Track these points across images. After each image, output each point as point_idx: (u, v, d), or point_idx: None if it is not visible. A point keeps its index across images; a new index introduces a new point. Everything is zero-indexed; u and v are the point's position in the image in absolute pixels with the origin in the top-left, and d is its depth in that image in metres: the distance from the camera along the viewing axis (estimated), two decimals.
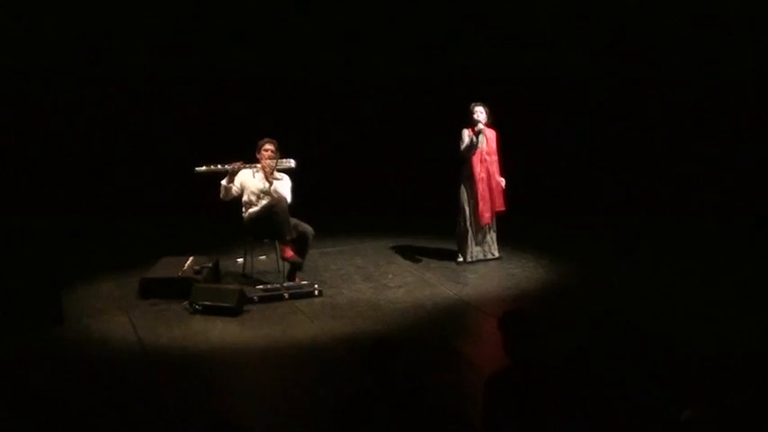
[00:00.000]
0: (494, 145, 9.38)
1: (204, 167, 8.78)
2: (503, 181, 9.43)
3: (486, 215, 9.36)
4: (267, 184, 8.74)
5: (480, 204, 9.33)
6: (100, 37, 11.61)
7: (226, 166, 8.76)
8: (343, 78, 12.25)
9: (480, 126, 9.23)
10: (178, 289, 8.47)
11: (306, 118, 12.15)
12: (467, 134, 9.26)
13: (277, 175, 8.81)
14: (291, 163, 8.86)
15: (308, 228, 8.78)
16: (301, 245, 8.76)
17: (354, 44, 12.27)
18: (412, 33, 12.30)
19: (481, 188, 9.32)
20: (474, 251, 9.48)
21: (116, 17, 11.60)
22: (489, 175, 9.34)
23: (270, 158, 8.77)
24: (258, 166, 8.81)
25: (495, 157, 9.39)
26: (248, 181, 8.82)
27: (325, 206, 9.35)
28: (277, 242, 8.87)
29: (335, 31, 12.21)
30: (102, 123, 11.70)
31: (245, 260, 9.19)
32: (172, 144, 11.68)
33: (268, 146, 8.83)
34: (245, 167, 8.81)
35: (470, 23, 12.22)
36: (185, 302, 8.30)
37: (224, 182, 8.80)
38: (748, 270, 8.75)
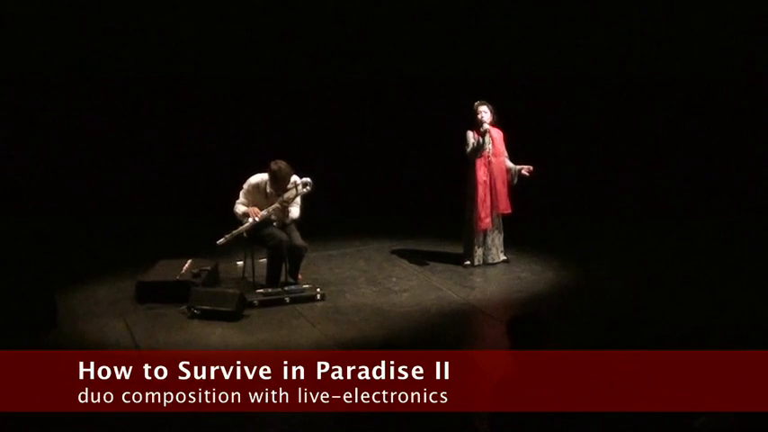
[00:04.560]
0: (500, 146, 9.20)
1: (224, 238, 8.53)
2: (517, 168, 9.14)
3: (486, 220, 9.17)
4: (280, 207, 8.53)
5: (479, 209, 9.14)
6: (98, 35, 11.55)
7: (246, 224, 8.50)
8: (346, 79, 12.17)
9: (486, 127, 9.05)
10: (176, 293, 8.37)
11: (306, 119, 12.07)
12: (471, 136, 9.09)
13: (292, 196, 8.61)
14: (309, 188, 8.60)
15: (301, 244, 8.62)
16: (294, 262, 8.71)
17: (357, 44, 12.19)
18: (412, 32, 12.21)
19: (482, 192, 9.12)
20: (480, 254, 9.31)
21: (113, 13, 11.54)
22: (494, 178, 9.15)
23: (287, 199, 8.51)
24: (276, 206, 8.51)
25: (502, 158, 9.21)
26: (260, 202, 8.61)
27: (328, 208, 9.28)
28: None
29: (336, 31, 12.14)
30: (99, 124, 11.66)
31: (245, 263, 9.05)
32: (171, 144, 11.63)
33: (290, 180, 8.52)
34: (260, 217, 8.49)
35: (472, 22, 12.14)
36: (183, 306, 8.20)
37: (241, 209, 8.59)
38: (755, 270, 8.71)
